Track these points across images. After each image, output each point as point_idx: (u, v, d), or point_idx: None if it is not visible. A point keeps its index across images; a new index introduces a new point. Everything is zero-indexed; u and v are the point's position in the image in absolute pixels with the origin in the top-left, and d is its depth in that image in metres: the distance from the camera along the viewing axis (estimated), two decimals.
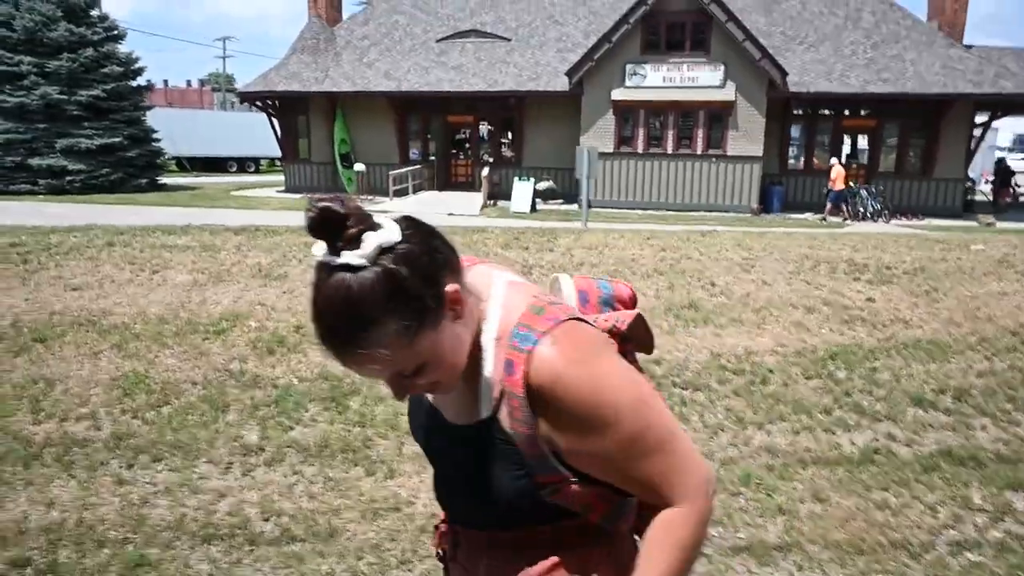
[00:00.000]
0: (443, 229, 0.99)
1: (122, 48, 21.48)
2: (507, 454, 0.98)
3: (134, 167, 21.25)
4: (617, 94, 17.84)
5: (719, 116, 17.65)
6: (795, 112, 18.73)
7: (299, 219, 0.94)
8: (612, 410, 0.93)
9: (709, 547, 2.91)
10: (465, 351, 0.97)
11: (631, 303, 1.21)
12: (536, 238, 9.90)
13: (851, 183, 17.31)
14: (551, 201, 19.00)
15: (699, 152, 17.96)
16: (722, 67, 17.15)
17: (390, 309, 0.87)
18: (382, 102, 20.26)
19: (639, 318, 1.13)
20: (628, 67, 17.66)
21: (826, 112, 18.79)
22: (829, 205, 16.48)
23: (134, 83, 21.95)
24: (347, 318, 0.87)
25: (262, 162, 35.99)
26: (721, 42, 16.98)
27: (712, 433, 3.95)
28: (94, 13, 21.07)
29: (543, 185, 18.80)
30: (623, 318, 1.12)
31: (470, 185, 20.83)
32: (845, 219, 16.22)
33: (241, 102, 23.38)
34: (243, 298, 6.26)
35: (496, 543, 1.09)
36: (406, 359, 0.91)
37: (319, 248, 0.87)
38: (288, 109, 21.50)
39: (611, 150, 18.28)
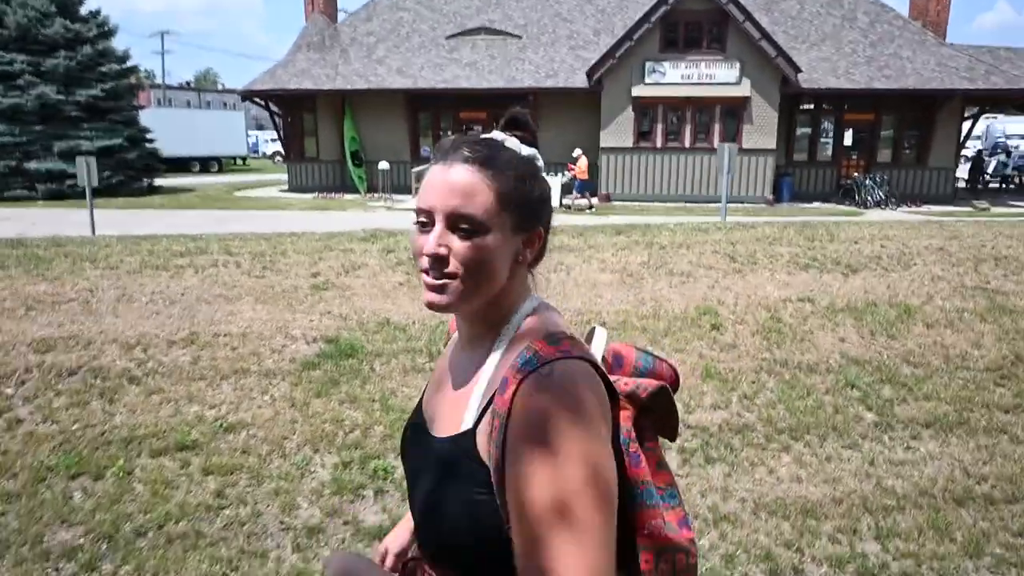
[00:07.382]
0: None
1: (116, 44, 20.66)
2: (473, 472, 0.97)
3: (133, 169, 20.49)
4: (637, 91, 18.39)
5: (734, 111, 18.45)
6: (801, 107, 19.73)
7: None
8: (556, 474, 0.88)
9: None
10: (497, 281, 1.01)
11: (671, 384, 1.13)
12: (799, 233, 8.83)
13: (855, 173, 18.69)
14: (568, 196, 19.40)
15: (715, 146, 18.70)
16: (738, 64, 17.93)
17: (505, 185, 0.99)
18: (395, 99, 20.17)
19: (664, 391, 1.07)
20: (648, 64, 18.22)
21: (827, 107, 19.88)
22: (575, 193, 17.31)
23: (126, 82, 21.15)
24: (487, 151, 1.00)
25: (223, 161, 34.91)
26: (737, 40, 17.76)
27: None
28: (83, 10, 20.18)
29: (564, 179, 19.17)
30: (646, 385, 1.06)
31: None
32: (590, 206, 17.19)
33: (243, 100, 22.73)
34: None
35: None
36: (471, 210, 0.97)
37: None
38: (294, 107, 21.12)
39: (630, 145, 18.85)
